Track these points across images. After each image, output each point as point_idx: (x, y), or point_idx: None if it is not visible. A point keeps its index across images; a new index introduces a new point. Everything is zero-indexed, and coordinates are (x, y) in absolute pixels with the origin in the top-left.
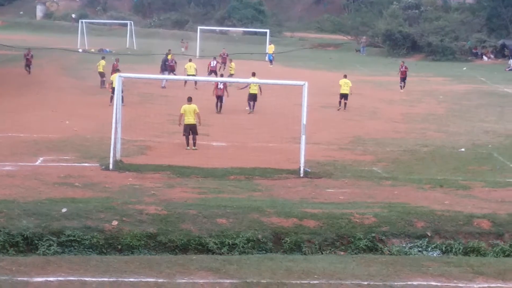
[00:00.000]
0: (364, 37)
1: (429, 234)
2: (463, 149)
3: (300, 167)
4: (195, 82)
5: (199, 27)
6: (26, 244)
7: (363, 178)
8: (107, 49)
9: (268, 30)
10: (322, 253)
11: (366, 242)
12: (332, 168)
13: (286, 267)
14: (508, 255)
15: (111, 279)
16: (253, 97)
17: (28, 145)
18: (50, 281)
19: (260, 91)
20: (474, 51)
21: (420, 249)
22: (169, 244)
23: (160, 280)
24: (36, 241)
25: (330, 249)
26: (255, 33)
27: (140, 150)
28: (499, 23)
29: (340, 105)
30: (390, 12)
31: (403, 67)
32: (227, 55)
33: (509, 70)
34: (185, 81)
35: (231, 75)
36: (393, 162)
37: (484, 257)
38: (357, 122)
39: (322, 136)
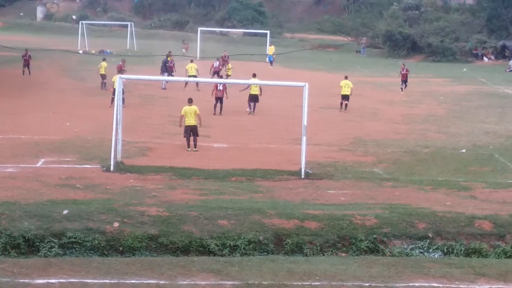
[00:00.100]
0: (364, 38)
1: (431, 235)
2: (464, 150)
3: (301, 168)
4: (197, 83)
5: (199, 28)
6: (28, 246)
7: (364, 179)
8: (108, 51)
9: (268, 31)
10: (324, 255)
11: (367, 243)
12: (333, 170)
13: (287, 268)
14: (509, 256)
15: (113, 281)
16: (254, 98)
17: (29, 146)
18: (51, 283)
19: (260, 91)
20: (474, 52)
21: (421, 250)
22: (170, 246)
23: (161, 282)
24: (37, 243)
25: (332, 251)
26: (255, 34)
27: (141, 151)
28: (499, 24)
29: (341, 107)
30: (390, 13)
31: (404, 70)
32: (228, 57)
33: (510, 71)
34: (186, 82)
35: (228, 77)
36: (394, 163)
37: (485, 258)
38: (357, 123)
39: (322, 137)
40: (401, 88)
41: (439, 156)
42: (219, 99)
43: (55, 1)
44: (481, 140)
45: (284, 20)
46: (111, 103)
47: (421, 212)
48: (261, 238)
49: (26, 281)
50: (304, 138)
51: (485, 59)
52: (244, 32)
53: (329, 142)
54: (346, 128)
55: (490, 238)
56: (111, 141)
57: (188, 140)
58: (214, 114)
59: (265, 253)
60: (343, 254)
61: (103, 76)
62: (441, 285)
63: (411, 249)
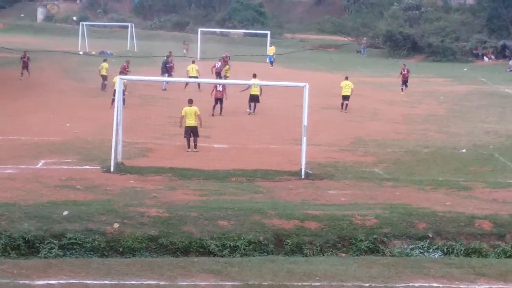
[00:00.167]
0: (364, 38)
1: (431, 236)
2: (464, 150)
3: (301, 168)
4: (199, 84)
5: (199, 29)
6: (28, 247)
7: (364, 179)
8: (108, 52)
9: (268, 32)
10: (324, 255)
11: (367, 243)
12: (333, 170)
13: (287, 269)
14: (509, 256)
15: (113, 282)
16: (254, 98)
17: (29, 148)
18: (51, 284)
19: (261, 92)
20: (474, 51)
21: (421, 250)
22: (170, 247)
23: (161, 283)
24: (37, 244)
25: (332, 251)
26: (256, 34)
27: (141, 152)
28: (500, 24)
29: (342, 107)
30: (391, 13)
31: (405, 70)
32: (229, 58)
33: (510, 70)
34: (186, 83)
35: (225, 78)
36: (394, 163)
37: (485, 258)
38: (358, 123)
39: (323, 137)
40: (402, 89)
41: (439, 156)
42: (218, 100)
43: (55, 3)
44: (481, 140)
45: (285, 21)
46: (111, 104)
47: (421, 212)
48: (261, 238)
49: (26, 282)
50: (304, 139)
51: (486, 58)
52: (244, 32)
53: (329, 142)
54: (347, 128)
55: (490, 238)
56: (111, 142)
57: (188, 141)
58: (213, 115)
59: (265, 254)
60: (343, 255)
61: (104, 77)
62: (441, 285)
63: (411, 249)
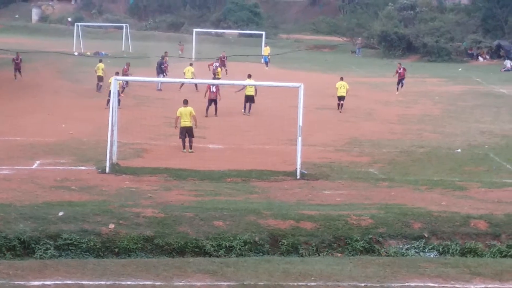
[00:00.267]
0: (359, 38)
1: (426, 235)
2: (459, 150)
3: (296, 169)
4: (196, 84)
5: (194, 30)
6: (23, 248)
7: (359, 179)
8: (103, 52)
9: (263, 32)
10: (319, 255)
11: (363, 243)
12: (329, 170)
13: (283, 269)
14: (505, 256)
15: (108, 283)
16: (249, 99)
17: (25, 148)
18: (47, 284)
19: (256, 92)
20: (469, 52)
21: (417, 250)
22: (166, 247)
23: (157, 283)
24: (33, 245)
25: (327, 251)
26: (251, 35)
27: (136, 153)
28: (494, 24)
29: (338, 108)
30: (386, 13)
31: (401, 69)
32: (226, 58)
33: (505, 70)
34: (181, 84)
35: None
36: (390, 163)
37: (481, 258)
38: (353, 123)
39: (318, 137)
40: (397, 88)
41: (434, 156)
42: (212, 101)
43: (50, 3)
44: (476, 140)
45: (280, 21)
46: (107, 105)
47: (417, 212)
48: (256, 238)
49: (22, 283)
50: (299, 139)
51: (480, 59)
52: (239, 33)
53: (324, 143)
54: (342, 128)
55: (486, 238)
56: (106, 143)
57: (184, 141)
58: (206, 116)
59: (261, 254)
60: (339, 255)
61: (100, 78)
62: (436, 285)
63: (407, 249)
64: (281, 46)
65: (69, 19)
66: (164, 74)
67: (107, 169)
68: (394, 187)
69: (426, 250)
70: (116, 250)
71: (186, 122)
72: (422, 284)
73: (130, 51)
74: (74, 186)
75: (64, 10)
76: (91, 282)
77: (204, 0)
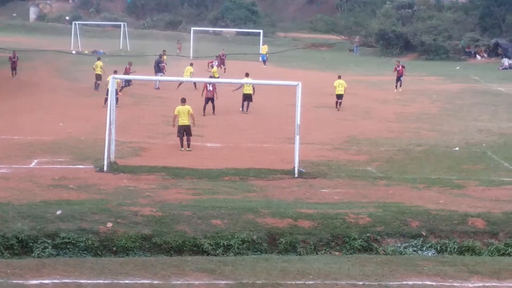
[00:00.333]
0: (357, 36)
1: (424, 234)
2: (457, 148)
3: (294, 167)
4: (195, 83)
5: (192, 28)
6: (21, 247)
7: (357, 178)
8: (101, 51)
9: (261, 31)
10: (317, 254)
11: (361, 242)
12: (327, 168)
13: (281, 267)
14: (502, 254)
15: (106, 281)
16: (247, 97)
17: (22, 147)
18: (45, 283)
19: (254, 91)
20: (467, 50)
21: (415, 248)
22: (164, 246)
23: (155, 282)
24: (31, 244)
25: (325, 249)
26: (249, 33)
27: (134, 151)
28: (492, 22)
29: (336, 106)
30: (383, 11)
31: (399, 67)
32: (225, 56)
33: (502, 69)
34: (180, 83)
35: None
36: (387, 162)
37: (479, 256)
38: (351, 122)
39: (316, 136)
40: (396, 86)
41: (432, 154)
42: (209, 100)
43: (47, 2)
44: (474, 138)
45: (277, 19)
46: (104, 103)
47: (415, 211)
48: (254, 237)
49: (20, 282)
50: (297, 137)
51: (478, 57)
52: (237, 31)
53: (322, 141)
54: (340, 127)
55: (483, 236)
56: (104, 141)
57: (182, 140)
58: (204, 115)
59: (259, 252)
60: (337, 253)
61: (98, 77)
62: (434, 283)
63: (405, 248)
64: (279, 45)
65: (67, 17)
66: (162, 73)
67: (105, 168)
68: (392, 185)
69: (424, 249)
70: (114, 248)
71: (184, 121)
72: (420, 283)
73: (128, 49)
74: (72, 185)
75: (61, 8)
76: (89, 281)
77: None
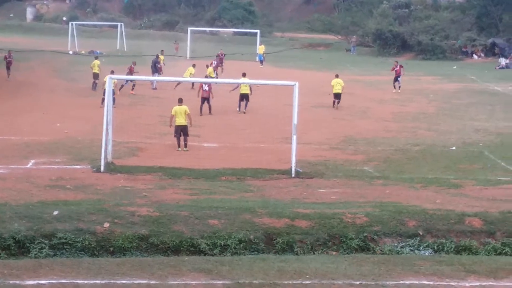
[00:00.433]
0: (354, 36)
1: (421, 233)
2: (454, 148)
3: (291, 167)
4: (192, 83)
5: (189, 28)
6: (18, 247)
7: (354, 177)
8: (98, 51)
9: (258, 31)
10: (314, 253)
11: (358, 241)
12: (324, 168)
13: (278, 267)
14: (499, 253)
15: (103, 282)
16: (244, 97)
17: (19, 147)
18: (42, 284)
19: (251, 90)
20: (464, 49)
21: (412, 248)
22: (161, 246)
23: (152, 282)
24: (28, 244)
25: (322, 249)
26: (246, 33)
27: (131, 151)
28: (489, 22)
29: (334, 105)
30: (380, 11)
31: (397, 67)
32: (224, 56)
33: (499, 68)
34: (178, 83)
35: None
36: (385, 162)
37: (476, 256)
38: (348, 121)
39: (313, 136)
40: (394, 86)
41: (429, 153)
42: (205, 100)
43: (44, 2)
44: (471, 138)
45: (274, 19)
46: (102, 104)
47: (412, 210)
48: (251, 237)
49: (17, 282)
50: (294, 137)
51: (475, 56)
52: (234, 31)
53: (319, 141)
54: (337, 126)
55: (480, 235)
56: (101, 142)
57: (179, 140)
58: (201, 115)
59: (256, 252)
60: (334, 253)
61: (96, 76)
62: (431, 283)
63: (402, 247)
64: (276, 45)
65: (64, 18)
66: (158, 73)
67: (102, 168)
68: (389, 185)
69: (421, 248)
70: (111, 249)
71: (181, 121)
72: (417, 282)
73: (125, 49)
74: (69, 185)
75: (58, 9)
76: (86, 281)
77: None
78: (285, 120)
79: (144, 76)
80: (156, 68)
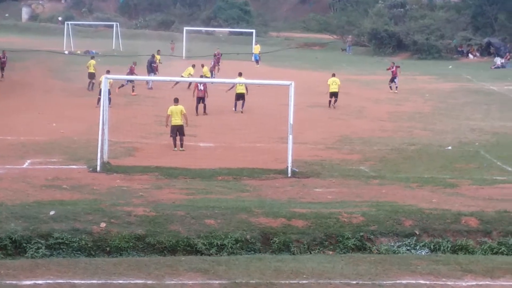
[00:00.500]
0: (350, 36)
1: (417, 233)
2: (450, 147)
3: (287, 167)
4: (189, 82)
5: (185, 28)
6: (14, 247)
7: (350, 177)
8: (93, 51)
9: (254, 30)
10: (311, 253)
11: (354, 241)
12: (320, 168)
13: (275, 267)
14: (496, 253)
15: (100, 282)
16: (240, 97)
17: (15, 147)
18: (38, 284)
19: (247, 90)
20: (459, 49)
21: (408, 247)
22: (157, 246)
23: (149, 282)
24: (24, 244)
25: (319, 249)
26: (241, 33)
27: (127, 151)
28: (484, 21)
29: (330, 105)
30: (376, 11)
31: (393, 67)
32: (221, 55)
33: (495, 68)
34: (175, 83)
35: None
36: (381, 161)
37: (472, 255)
38: (344, 121)
39: (309, 135)
40: (390, 86)
41: (425, 153)
42: (201, 99)
43: (40, 2)
44: (467, 137)
45: (270, 19)
46: (97, 104)
47: (408, 210)
48: (248, 237)
49: (13, 282)
50: (290, 137)
51: (470, 56)
52: (229, 31)
53: (315, 141)
54: (332, 126)
55: (477, 235)
56: (97, 142)
57: (175, 140)
58: (197, 115)
59: (252, 252)
60: (330, 252)
61: (92, 75)
62: (428, 282)
63: (398, 247)
64: (272, 44)
65: (60, 18)
66: (154, 73)
67: (98, 168)
68: (385, 184)
69: (418, 248)
70: (108, 249)
71: (177, 121)
72: (413, 282)
73: (121, 49)
74: (65, 185)
75: (54, 9)
76: (82, 281)
77: None
78: (281, 120)
79: (141, 76)
80: (152, 68)
